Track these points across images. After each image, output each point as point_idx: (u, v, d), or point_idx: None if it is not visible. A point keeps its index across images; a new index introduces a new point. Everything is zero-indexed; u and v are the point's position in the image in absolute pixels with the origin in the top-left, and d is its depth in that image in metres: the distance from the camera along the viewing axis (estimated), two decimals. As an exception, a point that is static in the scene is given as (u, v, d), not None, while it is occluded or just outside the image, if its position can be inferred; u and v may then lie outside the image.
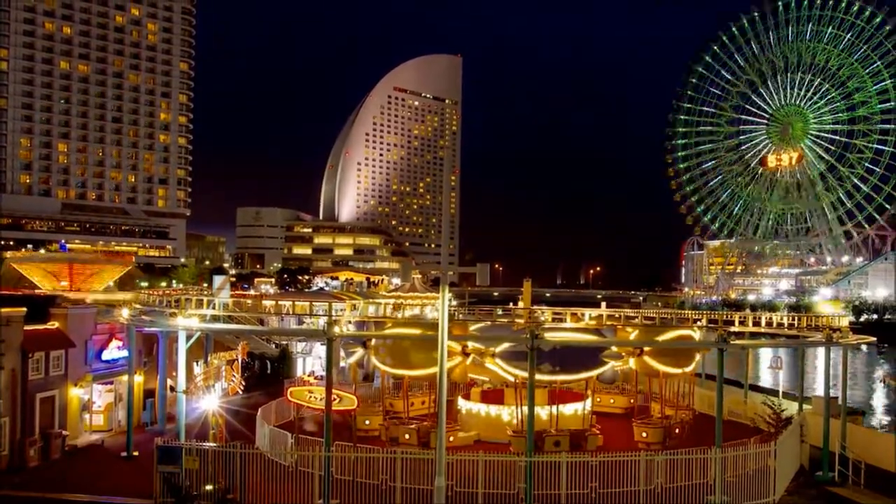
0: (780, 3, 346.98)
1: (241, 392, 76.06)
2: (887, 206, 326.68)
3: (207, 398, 60.43)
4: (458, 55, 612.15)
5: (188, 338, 59.86)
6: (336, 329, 49.93)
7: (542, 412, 60.12)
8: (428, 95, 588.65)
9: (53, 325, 61.92)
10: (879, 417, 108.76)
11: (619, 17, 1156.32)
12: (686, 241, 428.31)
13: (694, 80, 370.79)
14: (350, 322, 68.29)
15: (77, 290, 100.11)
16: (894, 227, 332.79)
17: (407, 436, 59.67)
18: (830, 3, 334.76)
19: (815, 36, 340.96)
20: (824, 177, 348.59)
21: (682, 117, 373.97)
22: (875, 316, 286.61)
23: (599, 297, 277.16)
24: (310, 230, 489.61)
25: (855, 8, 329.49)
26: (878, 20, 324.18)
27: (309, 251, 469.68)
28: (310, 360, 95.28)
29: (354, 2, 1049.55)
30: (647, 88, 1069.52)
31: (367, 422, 63.44)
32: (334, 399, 51.11)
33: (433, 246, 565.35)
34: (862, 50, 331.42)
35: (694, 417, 66.53)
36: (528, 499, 45.28)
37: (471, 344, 58.11)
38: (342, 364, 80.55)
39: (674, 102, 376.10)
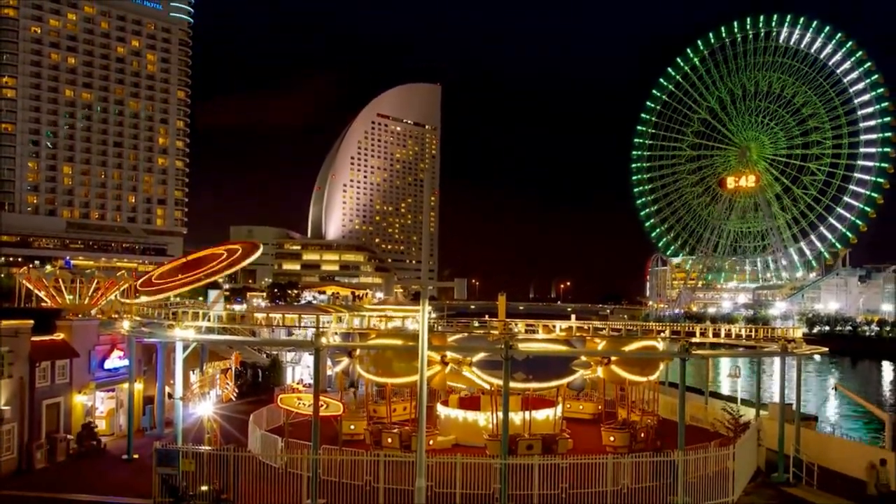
0: (738, 36, 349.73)
1: (234, 399, 76.02)
2: (838, 224, 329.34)
3: (203, 404, 60.42)
4: (437, 83, 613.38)
5: (185, 348, 59.78)
6: (323, 340, 50.07)
7: (516, 418, 60.07)
8: (409, 121, 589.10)
9: (59, 336, 61.86)
10: (831, 422, 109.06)
11: (592, 39, 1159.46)
12: (650, 257, 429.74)
13: (658, 107, 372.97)
14: (336, 333, 68.26)
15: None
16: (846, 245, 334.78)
17: (389, 440, 59.65)
18: (784, 35, 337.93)
19: (772, 66, 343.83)
20: (780, 198, 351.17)
21: (647, 141, 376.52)
22: (827, 328, 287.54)
23: (569, 309, 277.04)
24: (299, 247, 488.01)
25: (807, 39, 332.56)
26: (828, 51, 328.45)
27: (298, 267, 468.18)
28: (298, 369, 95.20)
29: (343, 31, 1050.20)
30: (619, 109, 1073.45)
31: (353, 426, 63.30)
32: (321, 405, 51.19)
33: (414, 262, 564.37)
34: (815, 78, 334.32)
35: (658, 422, 66.69)
36: (502, 499, 45.40)
37: (449, 354, 58.10)
38: (329, 372, 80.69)
39: (639, 128, 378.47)
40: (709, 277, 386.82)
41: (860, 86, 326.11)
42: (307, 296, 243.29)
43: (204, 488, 44.82)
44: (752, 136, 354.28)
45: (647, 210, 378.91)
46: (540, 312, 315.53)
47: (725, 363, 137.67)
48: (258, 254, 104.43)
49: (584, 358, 60.66)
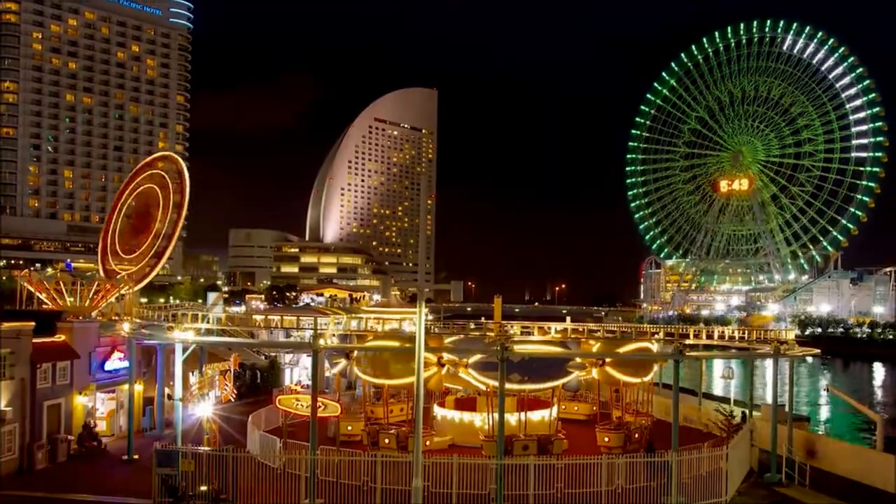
0: (731, 41, 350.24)
1: (232, 400, 75.99)
2: (830, 228, 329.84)
3: (202, 405, 60.40)
4: (434, 88, 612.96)
5: (184, 350, 59.75)
6: (321, 341, 50.06)
7: (512, 418, 60.17)
8: (406, 125, 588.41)
9: (60, 338, 61.89)
10: (823, 423, 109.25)
11: (589, 41, 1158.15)
12: (645, 260, 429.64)
13: (652, 111, 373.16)
14: (334, 335, 68.31)
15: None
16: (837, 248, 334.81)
17: (387, 440, 59.63)
18: (777, 40, 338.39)
19: (764, 71, 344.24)
20: (773, 200, 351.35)
21: (641, 145, 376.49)
22: (819, 330, 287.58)
23: (564, 312, 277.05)
24: (297, 250, 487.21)
25: (800, 45, 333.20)
26: (820, 56, 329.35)
27: (296, 270, 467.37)
28: (297, 371, 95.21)
29: (342, 35, 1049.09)
30: (614, 113, 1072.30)
31: (350, 427, 63.31)
32: (319, 406, 51.18)
33: (410, 265, 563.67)
34: (807, 83, 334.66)
35: (652, 423, 66.69)
36: (498, 499, 45.38)
37: (446, 355, 58.20)
38: (327, 374, 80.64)
39: (633, 131, 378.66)
40: (702, 280, 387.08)
41: (852, 91, 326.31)
42: (305, 298, 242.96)
43: (203, 488, 44.85)
44: (745, 140, 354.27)
45: (642, 213, 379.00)
46: (535, 314, 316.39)
47: (719, 365, 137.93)
48: (185, 166, 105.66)
49: (578, 360, 60.62)
